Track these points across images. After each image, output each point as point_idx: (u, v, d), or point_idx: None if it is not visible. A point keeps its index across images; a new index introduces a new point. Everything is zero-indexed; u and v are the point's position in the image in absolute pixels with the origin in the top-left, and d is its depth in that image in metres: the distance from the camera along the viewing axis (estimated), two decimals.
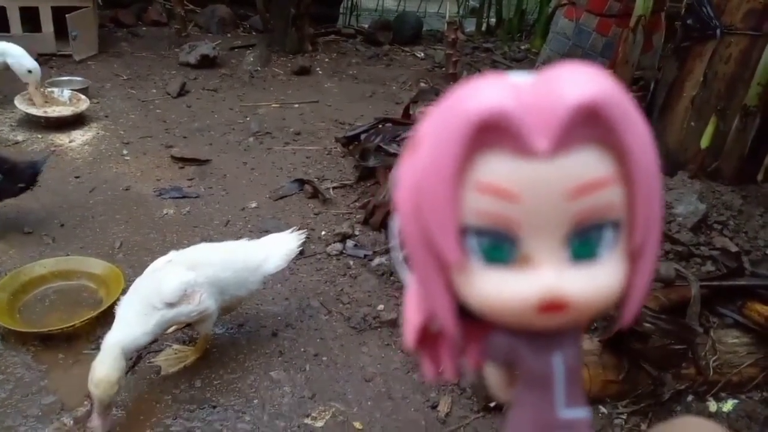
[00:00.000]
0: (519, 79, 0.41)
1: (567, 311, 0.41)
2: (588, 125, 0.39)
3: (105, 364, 1.50)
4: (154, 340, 1.74)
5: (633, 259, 0.42)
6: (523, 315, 0.41)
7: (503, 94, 0.39)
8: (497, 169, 0.39)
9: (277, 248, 1.87)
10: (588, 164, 0.39)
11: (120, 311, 1.62)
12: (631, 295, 0.43)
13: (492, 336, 0.46)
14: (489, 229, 0.41)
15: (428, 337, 0.50)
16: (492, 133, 0.39)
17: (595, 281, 0.41)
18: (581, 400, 0.46)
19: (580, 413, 0.46)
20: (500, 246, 0.41)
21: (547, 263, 0.41)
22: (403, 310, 0.51)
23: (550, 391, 0.45)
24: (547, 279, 0.41)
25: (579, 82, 0.39)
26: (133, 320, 1.59)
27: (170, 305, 1.61)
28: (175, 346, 1.88)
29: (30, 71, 3.11)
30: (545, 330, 0.43)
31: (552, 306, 0.41)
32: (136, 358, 1.80)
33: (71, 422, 1.62)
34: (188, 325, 1.90)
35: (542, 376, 0.45)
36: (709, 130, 2.29)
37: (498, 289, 0.41)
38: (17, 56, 3.09)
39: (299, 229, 2.00)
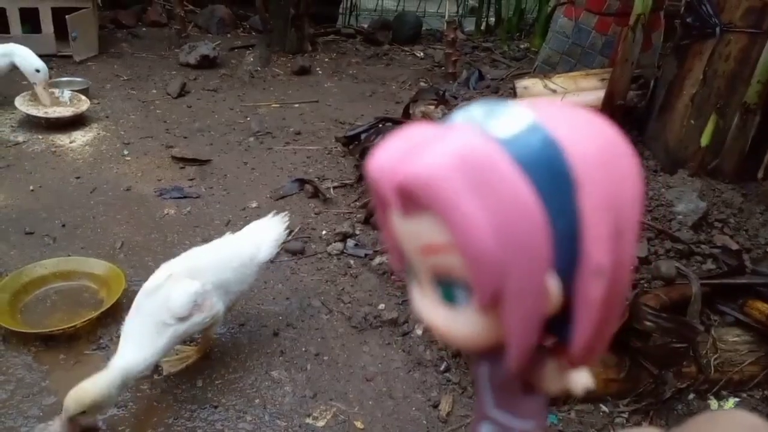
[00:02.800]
0: (419, 133, 0.45)
1: (442, 337, 0.49)
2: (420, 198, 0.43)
3: (94, 383, 1.47)
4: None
5: (494, 310, 0.46)
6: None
7: (382, 157, 0.45)
8: (393, 211, 0.47)
9: (266, 236, 1.86)
10: (427, 230, 0.44)
11: (126, 333, 1.58)
12: (508, 343, 0.47)
13: None
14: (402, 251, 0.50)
15: None
16: None
17: (450, 323, 0.48)
18: (521, 411, 0.52)
19: (512, 421, 0.53)
20: (410, 268, 0.50)
21: (426, 296, 0.49)
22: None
23: (481, 390, 0.54)
24: (423, 307, 0.49)
25: (425, 156, 0.42)
26: (142, 342, 1.55)
27: (182, 319, 1.59)
28: (177, 346, 1.88)
29: (38, 70, 3.15)
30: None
31: (429, 328, 0.50)
32: None
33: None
34: None
35: (477, 377, 0.55)
36: (709, 128, 2.29)
37: (413, 297, 0.51)
38: (24, 56, 3.13)
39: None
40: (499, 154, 0.41)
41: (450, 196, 0.41)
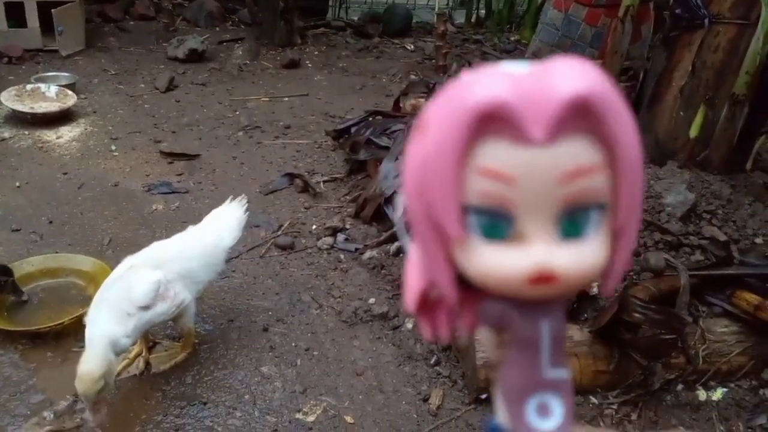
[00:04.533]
0: (516, 70, 0.44)
1: (555, 284, 0.46)
2: (579, 117, 0.43)
3: (89, 359, 1.47)
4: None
5: (615, 238, 0.48)
6: (516, 286, 0.46)
7: (504, 85, 0.43)
8: (496, 154, 0.44)
9: (227, 222, 1.87)
10: (578, 152, 0.44)
11: (89, 320, 1.56)
12: (612, 269, 0.49)
13: (486, 303, 0.51)
14: (488, 208, 0.45)
15: (427, 302, 0.54)
16: (492, 122, 0.43)
17: (580, 257, 0.46)
18: (564, 362, 0.51)
19: (564, 374, 0.51)
20: (498, 224, 0.46)
21: (539, 240, 0.45)
22: (403, 277, 0.56)
23: (537, 353, 0.50)
24: (538, 254, 0.45)
25: (572, 76, 0.43)
26: (108, 322, 1.54)
27: (144, 308, 1.58)
28: (166, 343, 1.88)
29: None
30: (534, 300, 0.49)
31: (542, 278, 0.46)
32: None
33: (51, 416, 1.61)
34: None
35: (530, 340, 0.50)
36: (698, 119, 2.29)
37: (495, 262, 0.46)
38: None
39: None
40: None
41: (620, 107, 0.43)
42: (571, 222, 0.45)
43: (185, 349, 1.82)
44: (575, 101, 0.42)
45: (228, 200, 1.96)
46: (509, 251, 0.46)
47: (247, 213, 1.94)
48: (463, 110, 0.43)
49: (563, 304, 0.51)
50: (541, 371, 0.50)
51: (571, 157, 0.44)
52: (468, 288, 0.50)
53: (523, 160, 0.43)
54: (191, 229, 1.86)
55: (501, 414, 0.55)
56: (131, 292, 1.58)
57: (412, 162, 0.47)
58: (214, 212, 1.93)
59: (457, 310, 0.53)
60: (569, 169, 0.44)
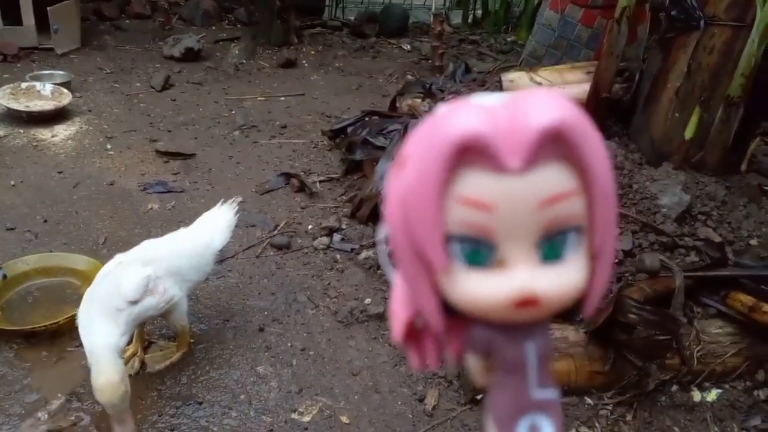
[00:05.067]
0: (489, 102, 0.46)
1: (538, 306, 0.47)
2: (553, 145, 0.44)
3: (102, 369, 1.45)
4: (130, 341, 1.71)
5: (593, 260, 0.49)
6: (500, 311, 0.47)
7: (479, 118, 0.44)
8: (476, 184, 0.45)
9: (217, 224, 1.87)
10: (554, 179, 0.45)
11: (82, 322, 1.55)
12: (592, 290, 0.49)
13: (472, 329, 0.52)
14: (469, 236, 0.46)
15: (414, 331, 0.55)
16: (470, 153, 0.44)
17: (561, 279, 0.47)
18: (551, 382, 0.52)
19: (551, 394, 0.52)
20: (479, 251, 0.46)
21: (521, 265, 0.46)
22: (389, 307, 0.56)
23: (525, 375, 0.51)
24: (520, 279, 0.46)
25: (544, 107, 0.44)
26: (102, 325, 1.53)
27: (134, 303, 1.58)
28: (161, 343, 1.87)
29: None
30: (518, 323, 0.49)
31: (525, 302, 0.46)
32: None
33: (45, 416, 1.61)
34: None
35: (517, 363, 0.51)
36: (693, 120, 2.29)
37: (478, 288, 0.47)
38: None
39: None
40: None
41: (591, 134, 0.45)
42: (550, 246, 0.46)
43: (180, 349, 1.82)
44: (548, 131, 0.43)
45: (220, 202, 1.95)
46: (492, 277, 0.47)
47: (238, 215, 1.93)
48: (441, 144, 0.44)
49: (547, 325, 0.52)
50: (529, 393, 0.51)
51: (548, 183, 0.45)
52: (453, 315, 0.50)
53: (501, 189, 0.44)
54: (182, 230, 1.86)
55: None
56: (121, 287, 1.57)
57: (394, 195, 0.48)
58: (206, 214, 1.93)
59: (443, 338, 0.54)
60: (546, 195, 0.45)
